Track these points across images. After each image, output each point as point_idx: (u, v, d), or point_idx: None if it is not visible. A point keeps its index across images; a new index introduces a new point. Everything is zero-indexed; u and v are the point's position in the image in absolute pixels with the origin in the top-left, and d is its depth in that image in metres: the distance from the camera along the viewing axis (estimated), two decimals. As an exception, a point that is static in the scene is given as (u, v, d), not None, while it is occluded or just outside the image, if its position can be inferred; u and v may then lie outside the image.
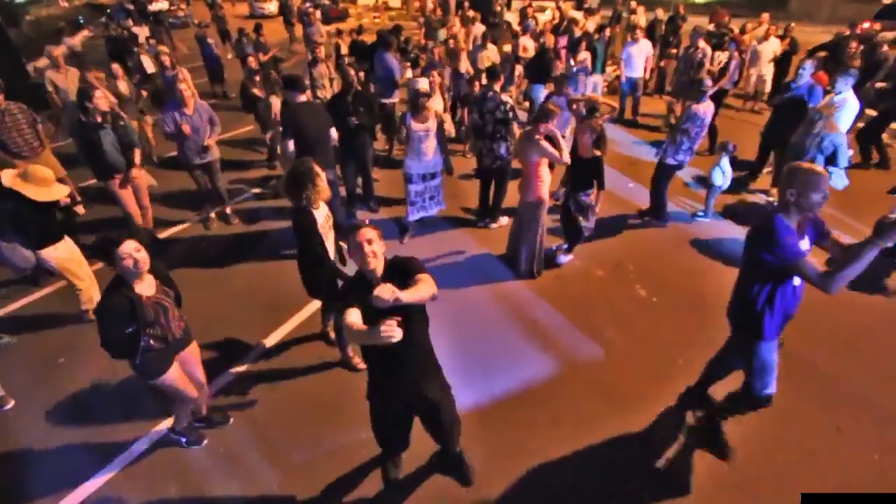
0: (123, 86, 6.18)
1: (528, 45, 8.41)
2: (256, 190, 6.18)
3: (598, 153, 4.01)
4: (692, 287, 4.28)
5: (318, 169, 2.91)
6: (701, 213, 5.30)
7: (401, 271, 1.99)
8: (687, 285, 4.30)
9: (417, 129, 4.36)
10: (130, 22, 15.23)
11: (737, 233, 5.08)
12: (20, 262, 3.57)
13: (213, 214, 5.33)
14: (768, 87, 8.57)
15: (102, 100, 4.13)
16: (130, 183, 4.51)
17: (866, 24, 9.19)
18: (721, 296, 4.15)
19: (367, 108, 5.00)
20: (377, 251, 1.96)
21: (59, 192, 3.39)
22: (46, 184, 3.32)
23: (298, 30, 10.62)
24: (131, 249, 2.26)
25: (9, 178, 3.25)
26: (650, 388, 3.28)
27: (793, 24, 9.06)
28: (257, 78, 6.50)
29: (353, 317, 1.87)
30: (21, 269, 3.67)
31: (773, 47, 8.33)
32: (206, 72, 10.20)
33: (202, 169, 4.95)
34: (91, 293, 3.78)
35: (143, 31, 12.36)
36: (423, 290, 1.84)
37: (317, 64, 6.50)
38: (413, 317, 1.95)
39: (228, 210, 5.35)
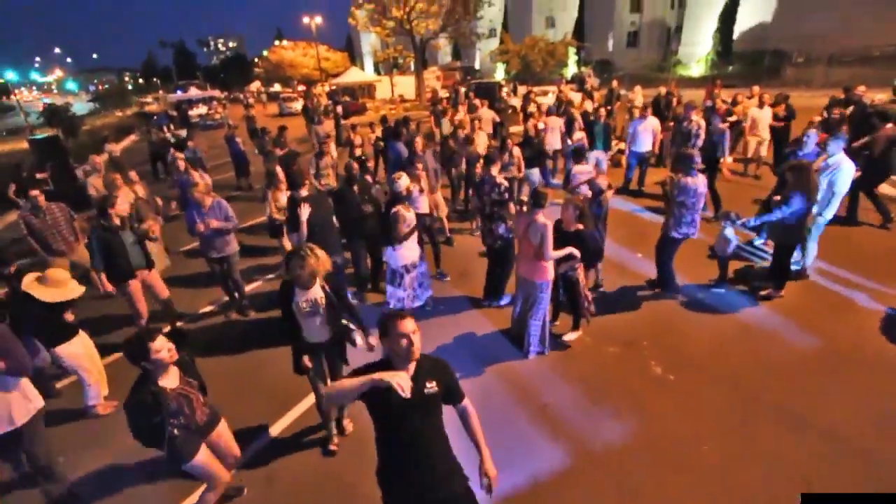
0: (139, 189, 6.71)
1: (551, 123, 8.99)
2: (270, 276, 6.38)
3: (580, 226, 4.08)
4: (712, 362, 4.05)
5: (303, 253, 3.00)
6: (715, 283, 5.17)
7: (438, 378, 2.04)
8: (706, 361, 4.08)
9: (412, 222, 4.57)
10: (172, 127, 16.99)
11: (752, 302, 4.90)
12: (38, 362, 3.70)
13: (233, 314, 5.45)
14: (764, 152, 8.78)
15: (123, 205, 4.49)
16: (145, 282, 4.71)
17: (861, 88, 9.45)
18: (745, 371, 3.96)
19: (369, 195, 5.32)
20: (417, 344, 1.97)
21: (73, 293, 3.57)
22: (62, 286, 3.52)
23: (325, 126, 11.85)
24: (164, 343, 2.48)
25: (27, 281, 3.48)
26: (671, 479, 3.00)
27: (787, 94, 9.41)
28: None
29: (350, 380, 1.89)
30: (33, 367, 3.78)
31: (767, 114, 8.60)
32: (233, 167, 11.13)
33: (220, 262, 5.17)
34: (99, 388, 3.82)
35: (181, 134, 13.83)
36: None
37: (323, 156, 7.07)
38: (436, 410, 1.99)
39: (245, 302, 5.46)
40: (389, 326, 1.98)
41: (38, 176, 9.63)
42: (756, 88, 9.90)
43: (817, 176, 4.75)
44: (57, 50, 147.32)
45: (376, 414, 2.03)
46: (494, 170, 4.86)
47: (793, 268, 5.03)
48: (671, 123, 9.40)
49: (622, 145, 9.06)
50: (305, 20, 34.01)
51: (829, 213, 4.99)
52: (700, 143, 7.26)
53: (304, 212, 4.40)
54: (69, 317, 3.67)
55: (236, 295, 5.47)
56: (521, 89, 22.16)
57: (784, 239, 4.72)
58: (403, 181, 4.60)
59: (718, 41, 30.12)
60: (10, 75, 36.98)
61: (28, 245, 5.60)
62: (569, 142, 7.87)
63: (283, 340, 4.73)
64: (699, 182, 4.57)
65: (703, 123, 7.52)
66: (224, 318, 5.42)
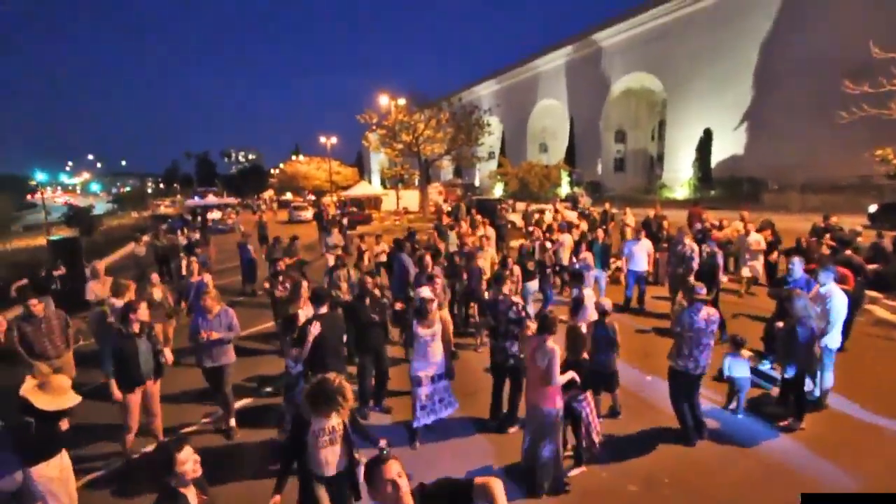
0: (157, 292, 6.77)
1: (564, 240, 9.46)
2: (268, 388, 6.13)
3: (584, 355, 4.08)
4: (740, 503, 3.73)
5: (345, 397, 2.81)
6: (733, 410, 5.03)
7: None
8: (733, 502, 3.75)
9: (424, 335, 4.54)
10: (185, 230, 17.68)
11: (772, 433, 4.67)
12: (5, 485, 3.38)
13: (225, 425, 5.11)
14: (759, 272, 9.14)
15: (144, 312, 4.47)
16: (146, 392, 4.51)
17: (833, 219, 10.13)
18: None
19: (381, 310, 5.38)
20: (403, 487, 1.82)
21: (70, 401, 3.40)
22: (62, 393, 3.36)
23: (333, 236, 12.12)
24: (190, 455, 2.24)
25: (27, 386, 3.33)
26: None
27: (772, 220, 10.06)
28: (281, 278, 7.18)
29: None
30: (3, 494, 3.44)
31: (755, 239, 9.10)
32: (240, 272, 11.40)
33: (212, 372, 4.95)
34: (67, 520, 3.44)
35: (183, 238, 14.60)
36: None
37: (337, 268, 7.24)
38: None
39: (232, 422, 5.07)
40: (374, 475, 1.85)
41: (55, 273, 9.91)
42: (746, 213, 10.49)
43: (814, 305, 4.86)
44: (90, 156, 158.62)
45: None
46: (505, 289, 4.99)
47: (811, 397, 4.89)
48: (665, 244, 9.89)
49: (619, 263, 9.41)
50: (322, 139, 37.62)
51: (833, 342, 5.00)
52: (695, 265, 7.54)
53: (314, 330, 4.21)
54: (64, 425, 3.42)
55: (221, 411, 5.12)
56: (521, 205, 23.71)
57: (797, 366, 4.58)
58: (426, 290, 4.67)
59: (698, 168, 32.91)
60: (40, 176, 39.40)
61: (13, 348, 5.30)
62: (574, 260, 8.20)
63: (275, 466, 4.42)
64: (699, 316, 4.40)
65: (696, 247, 7.90)
66: (212, 437, 5.06)
